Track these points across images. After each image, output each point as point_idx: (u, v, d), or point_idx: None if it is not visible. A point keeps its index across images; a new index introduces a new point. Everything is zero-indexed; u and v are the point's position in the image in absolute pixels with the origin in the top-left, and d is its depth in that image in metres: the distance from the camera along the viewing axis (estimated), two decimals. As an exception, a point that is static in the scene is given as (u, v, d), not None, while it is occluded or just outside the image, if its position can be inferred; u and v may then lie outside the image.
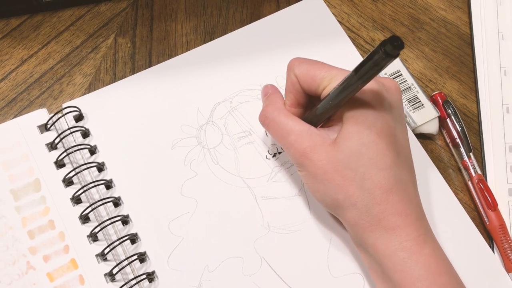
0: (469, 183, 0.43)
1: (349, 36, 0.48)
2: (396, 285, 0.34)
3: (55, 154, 0.42)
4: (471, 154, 0.44)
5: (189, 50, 0.47)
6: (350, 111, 0.35)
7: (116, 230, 0.41)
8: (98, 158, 0.43)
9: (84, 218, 0.40)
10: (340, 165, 0.34)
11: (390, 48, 0.28)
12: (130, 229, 0.41)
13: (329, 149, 0.35)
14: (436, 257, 0.34)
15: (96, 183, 0.41)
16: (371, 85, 0.34)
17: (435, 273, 0.33)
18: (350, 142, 0.34)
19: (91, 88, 0.46)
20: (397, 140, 0.35)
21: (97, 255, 0.40)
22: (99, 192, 0.42)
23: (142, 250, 0.40)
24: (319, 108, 0.36)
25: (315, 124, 0.37)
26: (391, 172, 0.34)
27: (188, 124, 0.44)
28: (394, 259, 0.34)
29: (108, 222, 0.40)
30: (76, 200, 0.41)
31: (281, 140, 0.37)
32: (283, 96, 0.40)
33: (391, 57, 0.29)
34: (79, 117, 0.44)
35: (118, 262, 0.39)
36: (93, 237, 0.40)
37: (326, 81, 0.36)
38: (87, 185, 0.41)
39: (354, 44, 0.48)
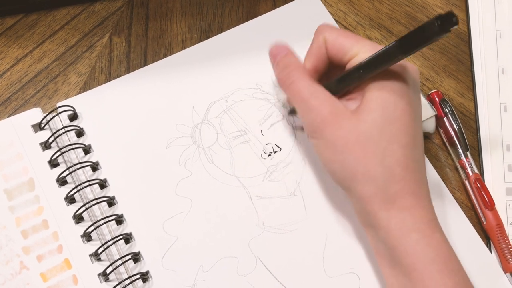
0: (466, 182, 0.43)
1: (346, 35, 0.48)
2: (406, 269, 0.33)
3: (49, 153, 0.42)
4: (468, 153, 0.43)
5: (184, 49, 0.47)
6: (374, 87, 0.34)
7: (110, 230, 0.40)
8: (93, 157, 0.42)
9: (78, 218, 0.40)
10: (362, 136, 0.33)
11: (446, 23, 0.27)
12: (124, 228, 0.41)
13: (353, 119, 0.34)
14: (447, 243, 0.34)
15: (90, 183, 0.41)
16: (395, 67, 0.34)
17: (446, 258, 0.33)
18: (374, 115, 0.33)
19: (86, 87, 0.46)
20: (417, 119, 0.35)
21: (90, 255, 0.40)
22: (93, 191, 0.41)
23: (136, 250, 0.40)
24: (342, 76, 0.35)
25: (334, 93, 0.36)
26: (410, 150, 0.34)
27: (183, 123, 0.44)
28: (407, 240, 0.33)
29: (102, 221, 0.40)
30: (70, 199, 0.41)
31: (302, 103, 0.36)
32: (298, 57, 0.39)
33: (444, 32, 0.28)
34: (73, 116, 0.44)
35: (112, 262, 0.39)
36: (87, 236, 0.40)
37: (354, 51, 0.35)
38: (81, 184, 0.41)
39: (350, 42, 0.47)
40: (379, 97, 0.34)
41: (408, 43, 0.30)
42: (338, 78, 0.36)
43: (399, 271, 0.34)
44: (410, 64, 0.36)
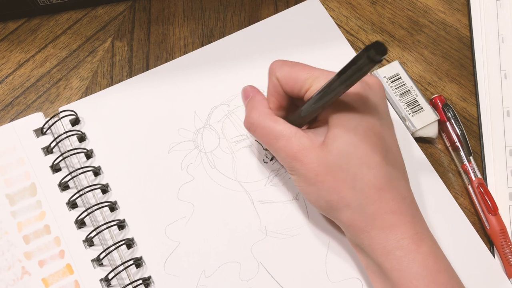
0: (469, 187, 0.43)
1: (348, 39, 0.48)
2: (395, 284, 0.33)
3: (51, 158, 0.42)
4: (471, 158, 0.43)
5: (186, 53, 0.47)
6: (334, 113, 0.35)
7: (112, 235, 0.40)
8: (95, 162, 0.42)
9: (80, 223, 0.40)
10: (331, 166, 0.34)
11: (374, 54, 0.28)
12: (126, 233, 0.40)
13: (319, 151, 0.35)
14: (434, 255, 0.34)
15: (92, 188, 0.41)
16: (354, 86, 0.34)
17: (433, 271, 0.33)
18: (338, 143, 0.34)
19: (88, 91, 0.46)
20: (384, 138, 0.35)
21: (92, 260, 0.39)
22: (95, 196, 0.41)
23: (138, 255, 0.40)
24: (302, 110, 0.36)
25: (299, 126, 0.37)
26: (382, 170, 0.34)
27: (185, 128, 0.44)
28: (391, 258, 0.33)
29: (104, 226, 0.40)
30: (72, 204, 0.41)
31: (270, 145, 0.37)
32: (265, 97, 0.39)
33: (374, 62, 0.28)
34: (75, 121, 0.44)
35: (114, 267, 0.39)
36: (89, 242, 0.40)
37: (308, 83, 0.36)
38: (83, 189, 0.40)
39: (352, 47, 0.47)
40: (340, 125, 0.34)
41: (345, 75, 0.31)
42: (298, 113, 0.37)
43: (389, 286, 0.34)
44: (371, 78, 0.37)
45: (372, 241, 0.34)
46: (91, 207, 0.40)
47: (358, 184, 0.34)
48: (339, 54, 0.47)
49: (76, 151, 0.42)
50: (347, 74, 0.30)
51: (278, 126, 0.36)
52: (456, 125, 0.44)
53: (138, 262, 0.39)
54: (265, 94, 0.40)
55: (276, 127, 0.36)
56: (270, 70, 0.38)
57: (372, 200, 0.34)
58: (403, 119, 0.44)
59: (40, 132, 0.43)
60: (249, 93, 0.40)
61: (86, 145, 0.43)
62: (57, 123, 0.43)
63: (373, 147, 0.34)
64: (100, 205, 0.40)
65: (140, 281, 0.39)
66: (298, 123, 0.37)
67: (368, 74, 0.31)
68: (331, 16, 0.49)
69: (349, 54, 0.47)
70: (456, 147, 0.44)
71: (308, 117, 0.36)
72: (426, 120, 0.44)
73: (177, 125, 0.44)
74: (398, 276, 0.33)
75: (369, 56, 0.28)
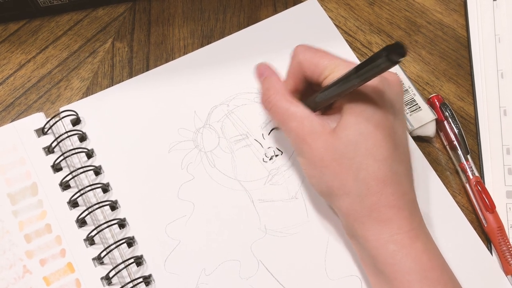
0: (467, 185, 0.43)
1: (346, 40, 0.48)
2: (388, 278, 0.34)
3: (52, 158, 0.42)
4: (468, 156, 0.43)
5: (186, 54, 0.47)
6: (349, 103, 0.35)
7: (113, 234, 0.41)
8: (95, 161, 0.43)
9: (81, 222, 0.40)
10: (338, 153, 0.35)
11: (393, 55, 0.29)
12: (127, 232, 0.41)
13: (328, 137, 0.35)
14: (428, 252, 0.34)
15: (93, 187, 0.41)
16: (373, 79, 0.35)
17: (426, 267, 0.33)
18: (348, 132, 0.34)
19: (88, 92, 0.46)
20: (395, 133, 0.36)
21: (93, 259, 0.40)
22: (96, 195, 0.42)
23: (138, 254, 0.40)
24: (318, 96, 0.36)
25: (312, 110, 0.37)
26: (387, 164, 0.34)
27: (185, 128, 0.44)
28: (384, 251, 0.34)
29: (105, 225, 0.40)
30: (73, 203, 0.41)
31: (283, 125, 0.37)
32: (280, 78, 0.40)
33: (392, 62, 0.29)
34: (76, 121, 0.44)
35: (114, 265, 0.39)
36: (90, 240, 0.40)
37: (328, 70, 0.36)
38: (84, 188, 0.41)
39: (351, 47, 0.48)
40: (353, 114, 0.35)
41: (363, 72, 0.31)
42: (313, 98, 0.37)
43: (382, 279, 0.35)
44: (391, 74, 0.37)
45: (367, 233, 0.34)
46: (92, 206, 0.40)
47: (361, 174, 0.34)
48: (337, 55, 0.47)
49: (77, 150, 0.42)
50: (364, 70, 0.31)
51: (293, 107, 0.37)
52: (454, 124, 0.44)
53: (138, 261, 0.40)
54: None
55: (290, 107, 0.37)
56: (294, 53, 0.39)
57: (372, 191, 0.34)
58: (404, 110, 0.44)
59: (41, 132, 0.43)
60: (263, 71, 0.41)
61: (87, 144, 0.43)
62: (58, 123, 0.43)
63: (383, 140, 0.34)
64: (101, 204, 0.41)
65: (141, 279, 0.39)
66: (311, 108, 0.37)
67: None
68: (329, 16, 0.49)
69: (348, 54, 0.47)
70: (454, 146, 0.44)
71: (322, 103, 0.37)
72: (424, 119, 0.44)
73: (177, 125, 0.44)
74: (391, 270, 0.33)
75: (388, 57, 0.29)
